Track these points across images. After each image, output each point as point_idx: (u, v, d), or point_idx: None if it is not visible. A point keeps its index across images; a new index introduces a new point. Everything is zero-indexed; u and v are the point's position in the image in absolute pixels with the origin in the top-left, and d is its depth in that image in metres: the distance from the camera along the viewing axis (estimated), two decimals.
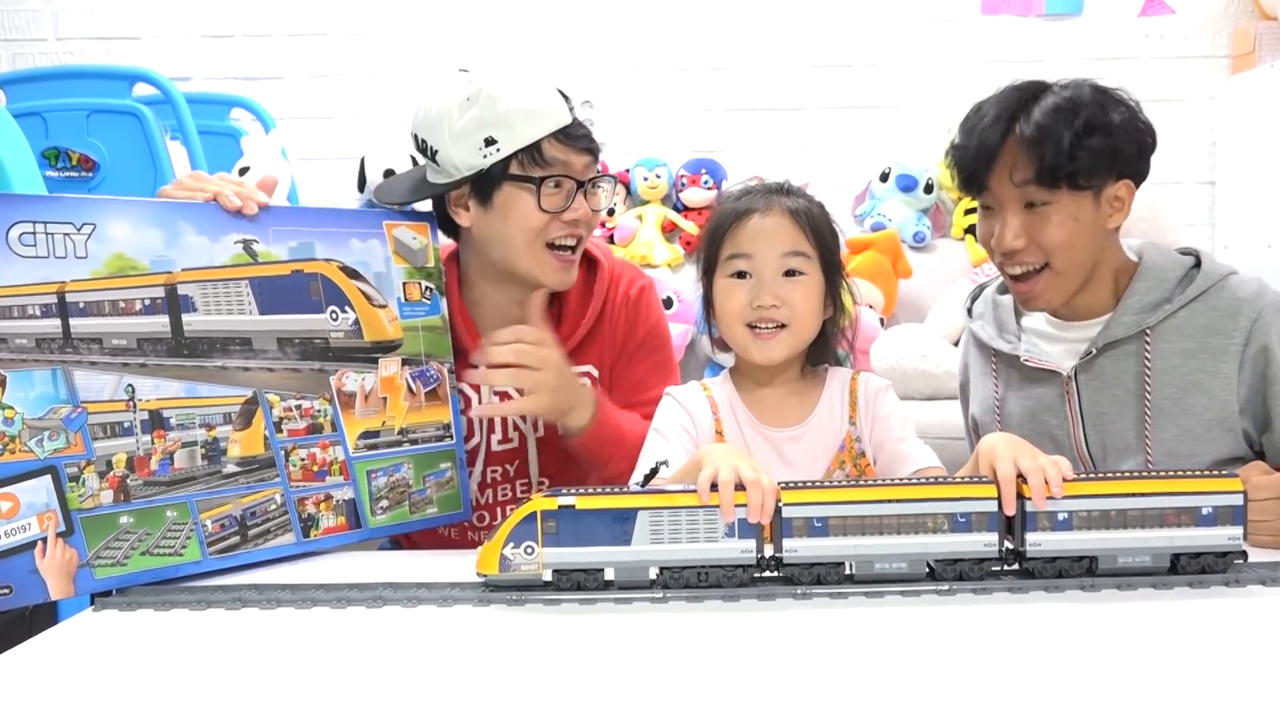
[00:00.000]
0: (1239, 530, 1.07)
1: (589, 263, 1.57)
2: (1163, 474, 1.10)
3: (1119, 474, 1.12)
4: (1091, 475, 1.12)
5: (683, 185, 3.29)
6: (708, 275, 1.38)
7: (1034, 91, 1.39)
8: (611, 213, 3.25)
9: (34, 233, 1.13)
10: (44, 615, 1.34)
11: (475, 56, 3.35)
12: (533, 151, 1.39)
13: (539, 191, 1.41)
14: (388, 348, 1.36)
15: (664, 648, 0.96)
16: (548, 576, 1.07)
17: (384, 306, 1.36)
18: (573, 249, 1.46)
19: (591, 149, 1.44)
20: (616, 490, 1.08)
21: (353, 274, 1.33)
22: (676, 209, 3.32)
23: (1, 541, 1.10)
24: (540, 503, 1.06)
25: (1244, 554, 1.08)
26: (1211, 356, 1.39)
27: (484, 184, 1.42)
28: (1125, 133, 1.36)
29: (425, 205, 1.51)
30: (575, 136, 1.42)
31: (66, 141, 2.44)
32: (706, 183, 3.27)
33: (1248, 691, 0.83)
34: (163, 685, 0.90)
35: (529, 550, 1.06)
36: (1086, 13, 3.40)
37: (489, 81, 1.39)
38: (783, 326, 1.32)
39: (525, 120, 1.38)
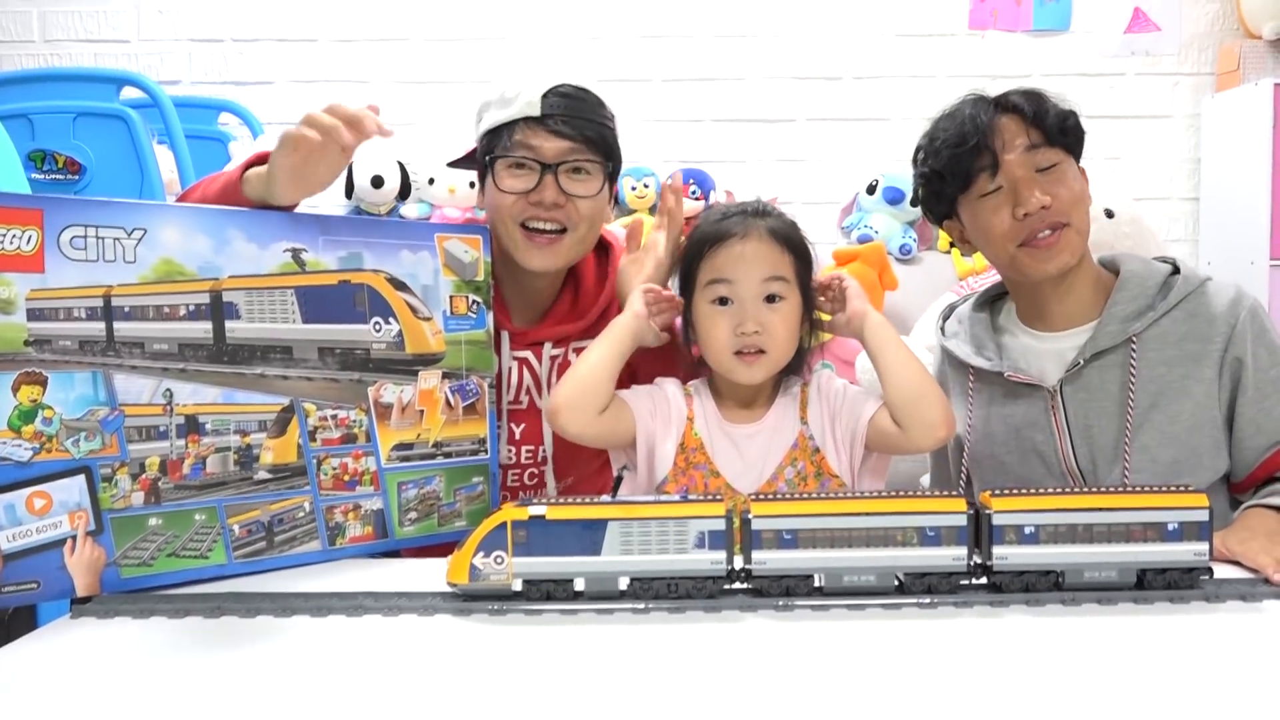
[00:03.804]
0: (1205, 546, 1.08)
1: (603, 247, 1.61)
2: (1129, 489, 1.11)
3: (1086, 489, 1.12)
4: (1058, 490, 1.12)
5: None
6: (684, 292, 1.41)
7: (988, 95, 1.46)
8: None
9: (85, 236, 1.12)
10: (22, 621, 1.34)
11: (463, 65, 3.36)
12: (503, 135, 1.46)
13: (495, 170, 1.47)
14: (429, 360, 1.36)
15: (645, 660, 0.96)
16: (517, 586, 1.07)
17: (428, 319, 1.35)
18: (549, 232, 1.48)
19: (566, 134, 1.45)
20: (587, 500, 1.08)
21: (399, 285, 1.33)
22: None
23: (33, 537, 1.10)
24: (510, 512, 1.06)
25: (1209, 570, 1.09)
26: (1194, 363, 1.40)
27: (483, 166, 1.51)
28: (1074, 117, 1.44)
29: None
30: (547, 122, 1.45)
31: (52, 144, 2.43)
32: (695, 193, 3.27)
33: (1222, 706, 0.84)
34: (138, 693, 0.89)
35: (499, 560, 1.06)
36: (1074, 29, 3.43)
37: (503, 76, 1.49)
38: (762, 351, 1.35)
39: (500, 106, 1.47)
